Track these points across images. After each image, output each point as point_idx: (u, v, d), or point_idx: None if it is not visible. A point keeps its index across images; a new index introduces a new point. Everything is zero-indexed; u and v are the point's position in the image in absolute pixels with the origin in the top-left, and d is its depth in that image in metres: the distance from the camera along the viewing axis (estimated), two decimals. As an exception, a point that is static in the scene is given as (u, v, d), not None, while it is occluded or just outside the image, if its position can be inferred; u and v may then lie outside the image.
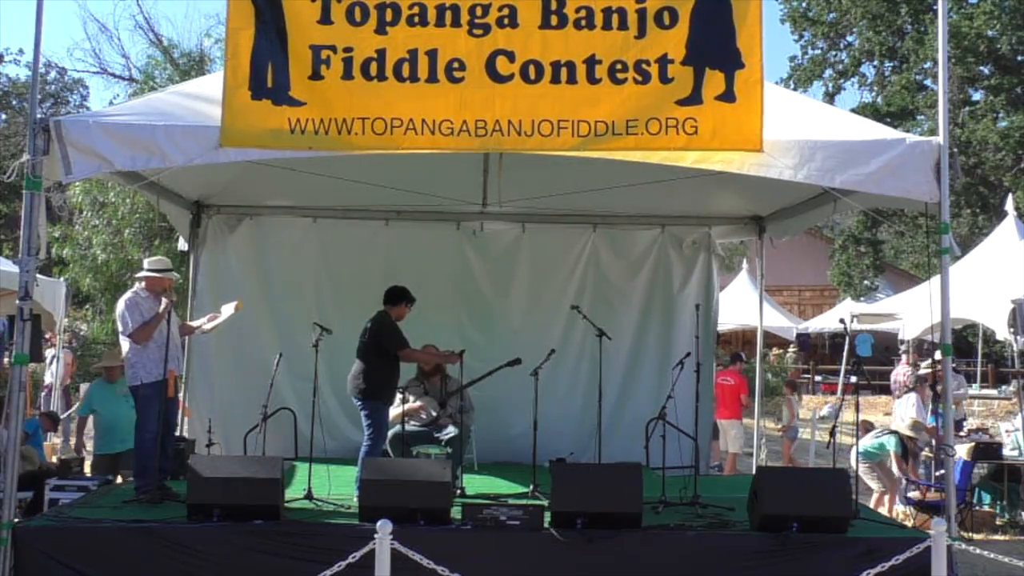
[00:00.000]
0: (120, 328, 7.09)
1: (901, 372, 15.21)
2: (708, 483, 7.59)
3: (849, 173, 6.05)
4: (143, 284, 7.18)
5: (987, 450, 9.77)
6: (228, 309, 7.59)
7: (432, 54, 5.85)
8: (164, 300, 6.99)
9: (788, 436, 12.44)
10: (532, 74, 5.86)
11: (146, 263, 7.36)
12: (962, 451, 9.42)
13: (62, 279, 14.05)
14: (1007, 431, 11.00)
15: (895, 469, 9.35)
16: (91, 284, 16.64)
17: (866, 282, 27.55)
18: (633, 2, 5.91)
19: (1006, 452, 9.90)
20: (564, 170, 7.42)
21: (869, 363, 21.27)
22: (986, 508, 9.69)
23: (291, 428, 7.29)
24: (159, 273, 7.15)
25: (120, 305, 7.11)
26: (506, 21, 5.88)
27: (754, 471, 8.25)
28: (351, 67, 5.85)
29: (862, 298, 25.40)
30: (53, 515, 6.45)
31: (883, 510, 8.91)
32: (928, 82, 28.50)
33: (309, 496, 6.86)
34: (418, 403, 8.14)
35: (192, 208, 9.29)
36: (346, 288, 9.68)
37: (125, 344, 7.04)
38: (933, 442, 9.27)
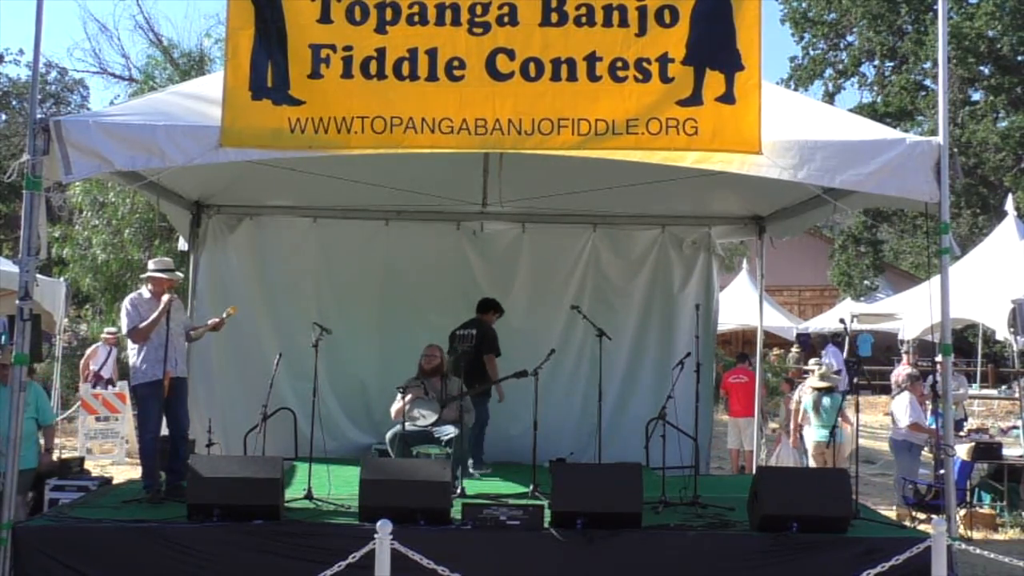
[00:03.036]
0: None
1: (902, 372, 15.19)
2: (708, 483, 7.59)
3: (849, 173, 6.05)
4: (149, 284, 7.24)
5: (987, 450, 9.77)
6: (224, 314, 7.60)
7: (432, 53, 5.85)
8: (163, 300, 7.04)
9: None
10: (532, 72, 5.86)
11: (150, 263, 7.44)
12: (962, 451, 9.42)
13: (62, 279, 14.03)
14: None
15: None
16: (91, 284, 16.60)
17: (866, 282, 27.50)
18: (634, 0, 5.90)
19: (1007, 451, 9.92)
20: (564, 170, 7.41)
21: (869, 363, 21.28)
22: (986, 508, 9.68)
23: (291, 428, 7.29)
24: (161, 274, 7.20)
25: (123, 304, 7.28)
26: (506, 19, 5.88)
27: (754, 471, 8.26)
28: (351, 66, 5.85)
29: (862, 298, 25.37)
30: (53, 515, 6.45)
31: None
32: (928, 82, 28.50)
33: (309, 496, 6.86)
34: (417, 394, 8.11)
35: (192, 208, 9.29)
36: (346, 288, 9.70)
37: (129, 343, 7.22)
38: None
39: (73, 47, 61.88)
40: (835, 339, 16.02)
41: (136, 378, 7.11)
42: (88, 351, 14.17)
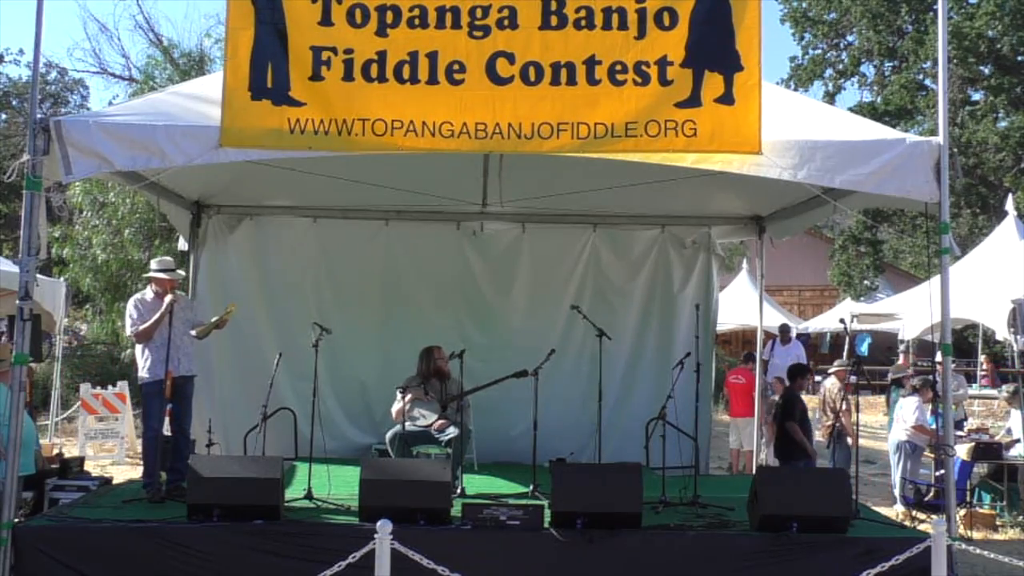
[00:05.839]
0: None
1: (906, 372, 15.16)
2: (708, 483, 7.60)
3: (849, 173, 6.05)
4: (152, 285, 7.28)
5: (987, 450, 9.76)
6: (224, 311, 7.59)
7: (432, 56, 5.84)
8: (165, 300, 7.06)
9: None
10: (532, 76, 5.85)
11: (152, 263, 7.49)
12: (962, 451, 9.41)
13: (62, 279, 14.05)
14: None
15: None
16: (91, 284, 16.61)
17: (866, 282, 27.50)
18: (633, 2, 5.91)
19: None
20: (564, 170, 7.42)
21: (869, 363, 21.27)
22: (986, 508, 9.68)
23: (291, 428, 7.29)
24: (162, 274, 7.22)
25: (127, 305, 7.37)
26: (506, 22, 5.87)
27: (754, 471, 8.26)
28: (351, 69, 5.85)
29: (862, 298, 25.37)
30: (53, 515, 6.45)
31: None
32: (928, 82, 28.51)
33: (309, 496, 6.86)
34: (417, 395, 8.07)
35: (192, 208, 9.29)
36: (346, 288, 9.70)
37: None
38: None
39: (73, 47, 61.94)
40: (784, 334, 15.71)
41: (141, 377, 7.20)
42: None
